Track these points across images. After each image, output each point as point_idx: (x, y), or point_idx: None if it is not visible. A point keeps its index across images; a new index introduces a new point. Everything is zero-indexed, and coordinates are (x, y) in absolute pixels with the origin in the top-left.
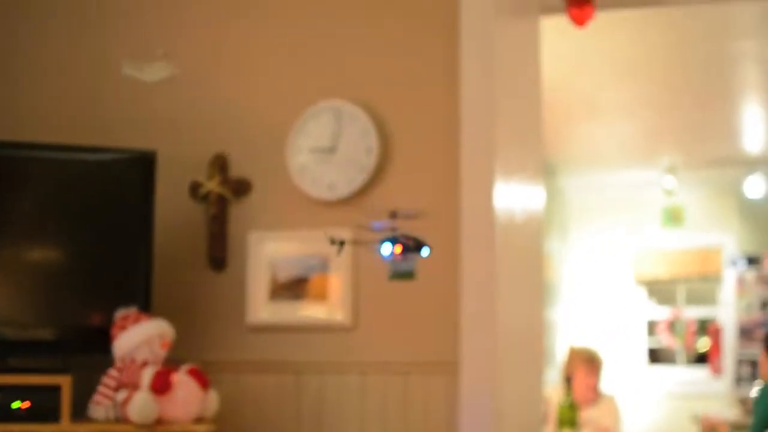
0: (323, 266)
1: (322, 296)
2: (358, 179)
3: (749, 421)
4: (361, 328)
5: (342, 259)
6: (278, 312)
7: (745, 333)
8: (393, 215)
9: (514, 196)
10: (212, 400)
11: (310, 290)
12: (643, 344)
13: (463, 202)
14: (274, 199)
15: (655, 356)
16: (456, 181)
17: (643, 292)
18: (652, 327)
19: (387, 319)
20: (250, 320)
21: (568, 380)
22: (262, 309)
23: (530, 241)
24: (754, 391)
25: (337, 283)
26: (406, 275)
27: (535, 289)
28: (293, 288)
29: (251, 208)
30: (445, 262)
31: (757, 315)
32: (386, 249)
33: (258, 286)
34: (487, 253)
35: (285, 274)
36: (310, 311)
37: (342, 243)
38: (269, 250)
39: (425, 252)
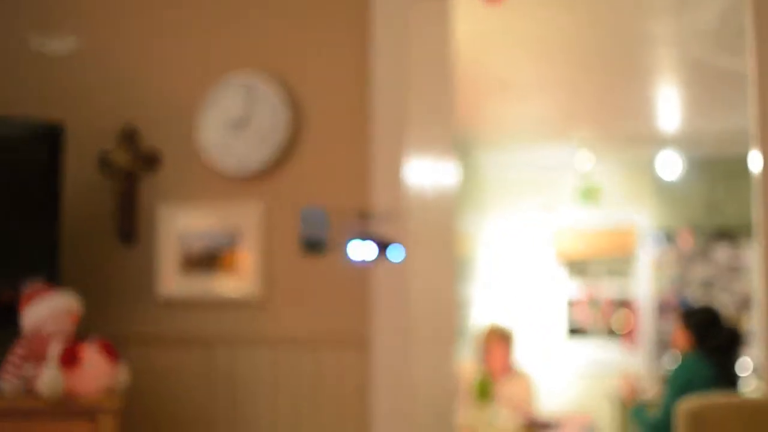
0: (234, 240)
1: (233, 270)
2: (269, 154)
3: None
4: (273, 303)
5: (253, 233)
6: (189, 286)
7: (660, 309)
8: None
9: (426, 172)
10: (122, 374)
11: (221, 264)
12: (560, 321)
13: (374, 177)
14: (185, 173)
15: (573, 333)
16: (367, 154)
17: (559, 269)
18: (569, 304)
19: (298, 294)
20: (160, 294)
21: (483, 356)
22: (172, 283)
23: (443, 217)
24: (668, 364)
25: (248, 257)
26: (318, 250)
27: (448, 265)
28: (204, 262)
29: (161, 182)
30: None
31: (672, 290)
32: (356, 251)
33: (168, 259)
34: (397, 229)
35: (196, 248)
36: (221, 285)
37: (321, 244)
38: (180, 224)
39: (396, 254)
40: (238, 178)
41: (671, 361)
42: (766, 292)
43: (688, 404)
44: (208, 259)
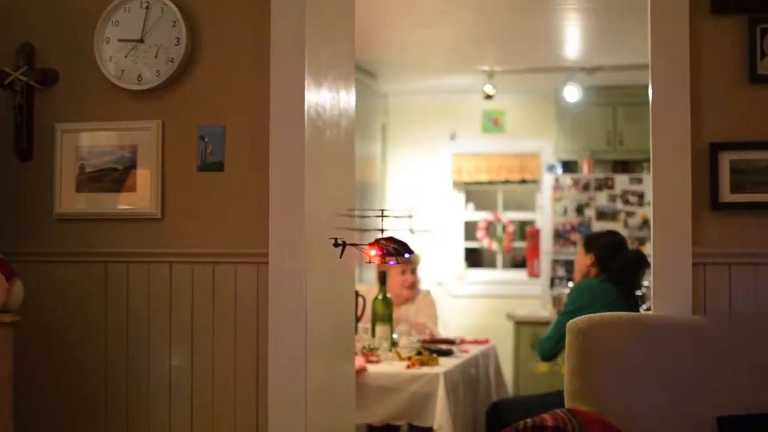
0: (132, 157)
1: (130, 187)
2: (167, 70)
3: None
4: (170, 219)
5: (151, 149)
6: (86, 202)
7: (561, 236)
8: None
9: (324, 94)
10: (17, 291)
11: (118, 181)
12: (462, 246)
13: (272, 95)
14: (82, 90)
15: (474, 258)
16: (265, 73)
17: (462, 195)
18: (471, 230)
19: (196, 210)
20: (57, 211)
21: (382, 276)
22: (69, 200)
23: (342, 141)
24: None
25: (145, 173)
26: (215, 167)
27: (347, 189)
28: (102, 179)
29: (58, 99)
30: (254, 155)
31: (572, 218)
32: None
33: (66, 176)
34: (295, 147)
35: (93, 165)
36: (118, 202)
37: (344, 245)
38: (77, 141)
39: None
40: (136, 95)
41: (572, 287)
42: (657, 220)
43: (576, 321)
44: (105, 176)
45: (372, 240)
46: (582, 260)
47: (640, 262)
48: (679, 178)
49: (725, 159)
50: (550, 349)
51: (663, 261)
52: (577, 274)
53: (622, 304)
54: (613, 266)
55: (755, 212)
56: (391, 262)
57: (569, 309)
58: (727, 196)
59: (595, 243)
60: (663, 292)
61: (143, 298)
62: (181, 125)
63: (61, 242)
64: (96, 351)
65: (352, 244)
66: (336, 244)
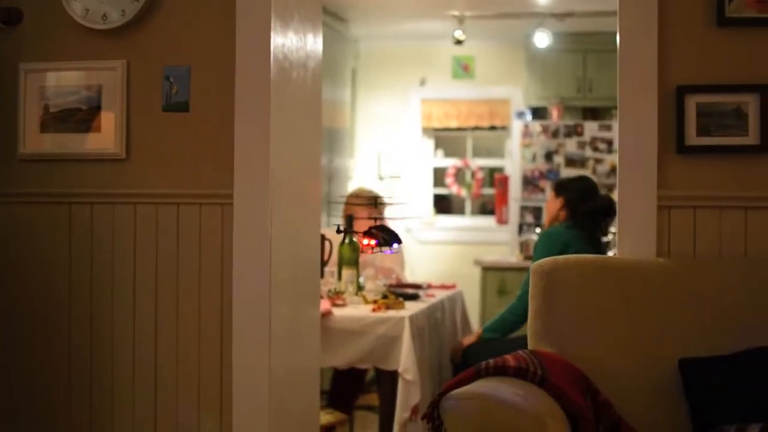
0: (96, 97)
1: (95, 127)
2: (132, 9)
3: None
4: (134, 159)
5: (115, 89)
6: (50, 143)
7: (530, 182)
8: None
9: (291, 36)
10: None
11: (83, 121)
12: (430, 193)
13: (238, 35)
14: (47, 29)
15: (443, 205)
16: (231, 13)
17: (432, 141)
18: (440, 176)
19: (160, 151)
20: (21, 151)
21: (349, 220)
22: (33, 140)
23: (309, 85)
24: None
25: (110, 113)
26: (180, 107)
27: (314, 131)
28: (66, 119)
29: (22, 38)
30: (220, 95)
31: (541, 165)
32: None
33: (30, 117)
34: (261, 87)
35: (58, 105)
36: (83, 142)
37: (346, 231)
38: (41, 81)
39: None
40: (101, 35)
41: (539, 236)
42: (623, 164)
43: (540, 263)
44: (70, 117)
45: (366, 228)
46: (552, 204)
47: (609, 209)
48: (646, 122)
49: (692, 102)
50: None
51: (628, 204)
52: (547, 218)
53: (590, 248)
54: (581, 210)
55: (720, 155)
56: (387, 251)
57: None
58: (693, 139)
59: (565, 187)
60: (628, 235)
61: (107, 239)
62: (146, 65)
63: (25, 183)
64: (60, 292)
65: (353, 232)
66: (338, 231)
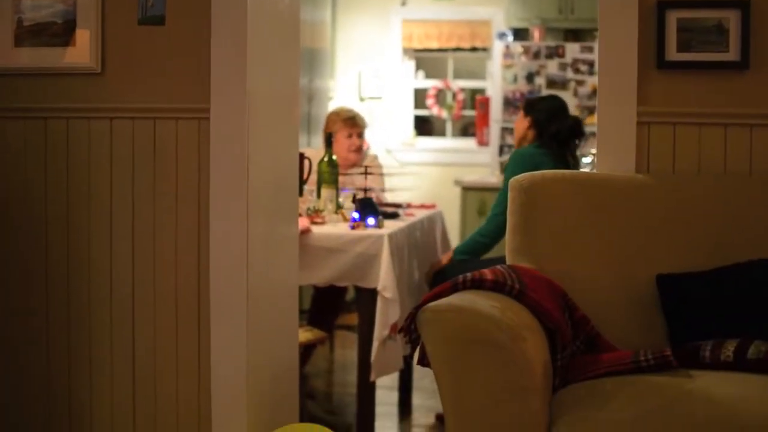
0: (71, 10)
1: (70, 41)
2: None
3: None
4: (109, 73)
5: (90, 2)
6: (24, 57)
7: (510, 104)
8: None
9: None
10: None
11: (57, 35)
12: (411, 114)
13: None
14: None
15: (424, 126)
16: None
17: (412, 63)
18: (420, 98)
19: (136, 65)
20: None
21: (328, 138)
22: (7, 55)
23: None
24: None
25: (84, 26)
26: (156, 20)
27: (292, 48)
28: (40, 33)
29: None
30: (196, 8)
31: (522, 86)
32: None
33: (3, 30)
34: (238, 3)
35: (31, 19)
36: (58, 56)
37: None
38: None
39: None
40: None
41: (510, 157)
42: (603, 80)
43: (518, 178)
44: (44, 31)
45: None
46: (520, 124)
47: (576, 129)
48: (626, 38)
49: (672, 17)
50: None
51: (607, 120)
52: (516, 138)
53: (559, 168)
54: (549, 131)
55: (701, 71)
56: (369, 225)
57: (507, 178)
58: (673, 54)
59: (533, 106)
60: (607, 151)
61: (83, 155)
62: None
63: None
64: (36, 208)
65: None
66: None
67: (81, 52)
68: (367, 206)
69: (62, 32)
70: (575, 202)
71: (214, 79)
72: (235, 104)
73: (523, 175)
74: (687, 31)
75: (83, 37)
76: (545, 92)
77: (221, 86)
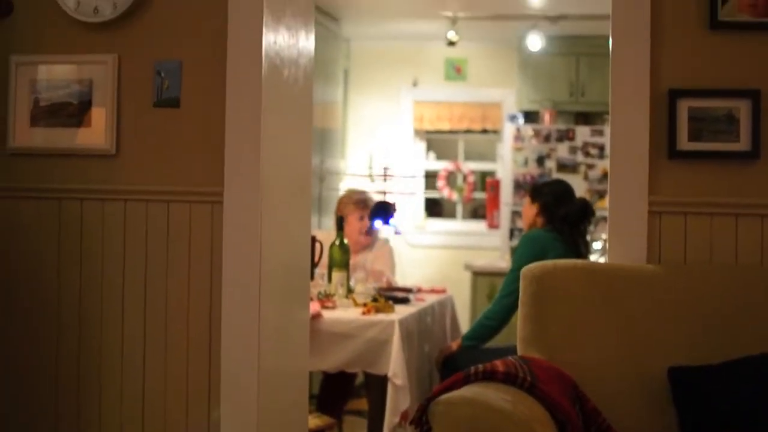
0: (87, 92)
1: (85, 122)
2: (123, 2)
3: None
4: (124, 155)
5: (106, 84)
6: (40, 137)
7: (521, 187)
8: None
9: (282, 32)
10: None
11: (73, 115)
12: (422, 196)
13: (230, 31)
14: (38, 22)
15: (434, 208)
16: (224, 8)
17: (423, 144)
18: (431, 179)
19: (151, 147)
20: (11, 145)
21: (340, 222)
22: (23, 134)
23: (300, 84)
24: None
25: (100, 108)
26: (171, 103)
27: (305, 129)
28: (56, 113)
29: (13, 31)
30: (211, 91)
31: (533, 169)
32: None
33: (20, 110)
34: (253, 84)
35: (48, 99)
36: (73, 137)
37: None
38: (32, 74)
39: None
40: (92, 28)
41: (520, 239)
42: (614, 168)
43: (530, 267)
44: (60, 111)
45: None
46: (528, 210)
47: (585, 211)
48: (637, 126)
49: (684, 106)
50: (511, 308)
51: (619, 209)
52: (525, 224)
53: (570, 252)
54: (558, 215)
55: (712, 161)
56: (374, 228)
57: (520, 263)
58: (684, 144)
59: (540, 192)
60: (618, 241)
61: (97, 236)
62: (137, 60)
63: (14, 177)
64: (49, 289)
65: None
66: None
67: (96, 133)
68: (381, 210)
69: (78, 113)
70: (587, 292)
71: (228, 162)
72: (249, 189)
73: (535, 264)
74: (698, 121)
75: (98, 118)
76: (556, 175)
77: (235, 170)
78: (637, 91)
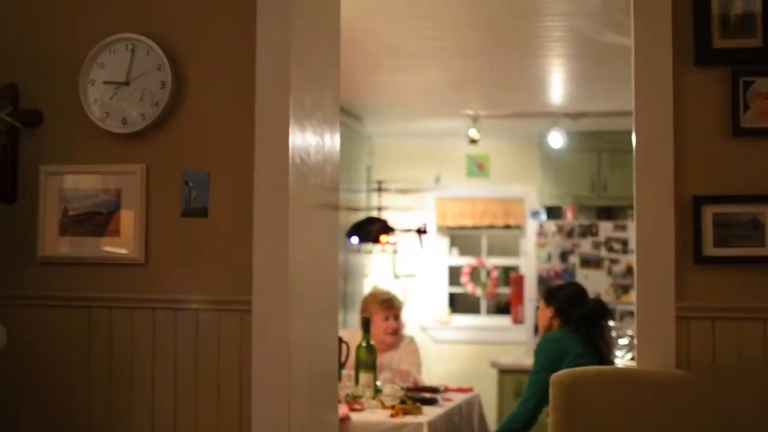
0: (116, 201)
1: (114, 231)
2: (152, 113)
3: None
4: (153, 264)
5: (135, 194)
6: (69, 246)
7: (545, 282)
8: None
9: (308, 140)
10: (0, 335)
11: (102, 225)
12: (445, 291)
13: (257, 141)
14: (67, 132)
15: (458, 304)
16: (250, 118)
17: (446, 240)
18: (455, 275)
19: (179, 256)
20: (40, 254)
21: (366, 323)
22: (53, 243)
23: (326, 184)
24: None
25: (129, 217)
26: (199, 212)
27: (331, 233)
28: (85, 222)
29: (43, 140)
30: (238, 200)
31: (556, 265)
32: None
33: (49, 219)
34: (280, 193)
35: (77, 208)
36: (102, 246)
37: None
38: (61, 184)
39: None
40: (121, 138)
41: (539, 343)
42: (641, 273)
43: (559, 374)
44: (89, 220)
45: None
46: (543, 314)
47: (600, 311)
48: (663, 231)
49: (708, 212)
50: (534, 410)
51: (646, 314)
52: (541, 327)
53: (589, 352)
54: (573, 316)
55: (738, 266)
56: (351, 243)
57: (542, 365)
58: (710, 249)
59: (554, 296)
60: (646, 346)
61: (126, 344)
62: (165, 169)
63: (44, 286)
64: (79, 397)
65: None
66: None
67: (125, 242)
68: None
69: (106, 222)
70: (616, 400)
71: (256, 272)
72: (277, 297)
73: (564, 372)
74: (723, 227)
75: (127, 227)
76: (579, 271)
77: (263, 279)
78: (661, 197)
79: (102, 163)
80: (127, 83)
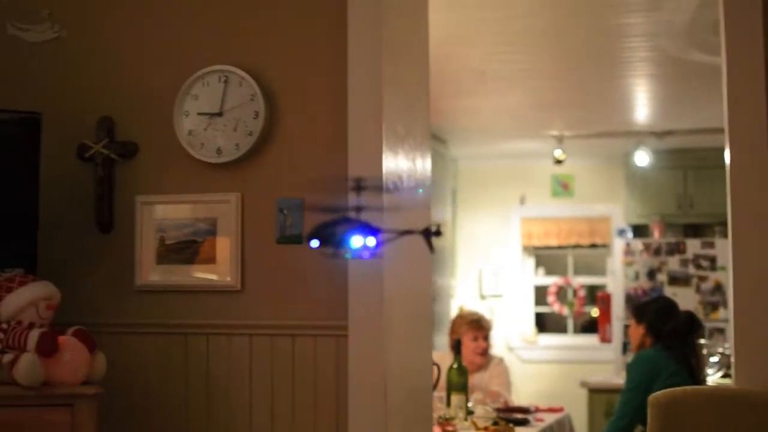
0: (211, 229)
1: (210, 259)
2: (246, 143)
3: None
4: (249, 291)
5: (230, 222)
6: (166, 274)
7: (633, 301)
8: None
9: (401, 166)
10: (100, 363)
11: (198, 253)
12: (532, 311)
13: (350, 168)
14: (162, 162)
15: (545, 323)
16: (343, 146)
17: (532, 260)
18: (541, 294)
19: (275, 282)
20: (137, 282)
21: (457, 345)
22: (150, 271)
23: (419, 208)
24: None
25: (225, 245)
26: (295, 240)
27: (424, 256)
28: (181, 251)
29: (138, 171)
30: None
31: (644, 283)
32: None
33: (146, 248)
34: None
35: (173, 237)
36: (198, 273)
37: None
38: (157, 213)
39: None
40: (215, 168)
41: (631, 361)
42: (738, 290)
43: (657, 395)
44: (185, 248)
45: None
46: (635, 331)
47: (692, 324)
48: (758, 247)
49: None
50: (627, 430)
51: (743, 332)
52: (633, 345)
53: (682, 371)
54: (665, 332)
55: None
56: (312, 246)
57: (634, 384)
58: None
59: (644, 311)
60: (745, 363)
61: (223, 370)
62: (259, 198)
63: (141, 314)
64: (177, 424)
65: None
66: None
67: (221, 269)
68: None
69: (202, 250)
70: (715, 420)
71: (352, 296)
72: (373, 322)
73: (662, 392)
74: None
75: (223, 255)
76: (667, 289)
77: (359, 304)
78: (758, 213)
79: (197, 193)
80: (220, 114)
